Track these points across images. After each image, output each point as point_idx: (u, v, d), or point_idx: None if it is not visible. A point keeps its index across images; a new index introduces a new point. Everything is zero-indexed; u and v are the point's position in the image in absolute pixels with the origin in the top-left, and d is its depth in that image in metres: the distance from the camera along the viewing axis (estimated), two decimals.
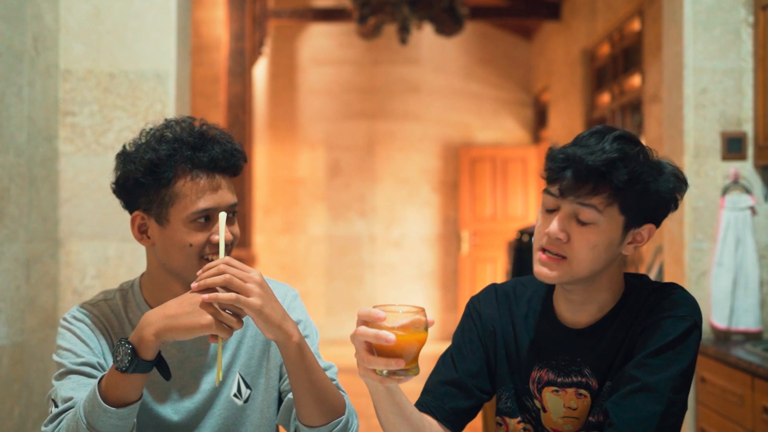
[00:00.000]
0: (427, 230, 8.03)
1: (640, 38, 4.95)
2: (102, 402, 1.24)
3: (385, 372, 1.17)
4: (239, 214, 1.58)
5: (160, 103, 2.69)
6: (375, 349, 1.17)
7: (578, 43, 6.20)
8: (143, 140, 1.41)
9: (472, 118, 8.09)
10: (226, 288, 1.26)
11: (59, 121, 2.68)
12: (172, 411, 1.44)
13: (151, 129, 1.43)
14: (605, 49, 5.78)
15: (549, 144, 1.59)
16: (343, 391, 1.45)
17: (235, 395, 1.47)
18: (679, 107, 2.98)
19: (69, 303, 2.64)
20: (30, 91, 2.47)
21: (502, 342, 1.47)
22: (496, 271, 7.74)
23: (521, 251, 5.02)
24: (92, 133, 2.68)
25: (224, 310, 1.27)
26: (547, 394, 1.41)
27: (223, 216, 1.36)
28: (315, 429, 1.36)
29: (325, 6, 7.50)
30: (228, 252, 1.38)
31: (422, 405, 1.44)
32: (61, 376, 1.37)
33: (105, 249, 2.67)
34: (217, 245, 1.37)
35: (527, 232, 5.07)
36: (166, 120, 1.45)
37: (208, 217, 1.38)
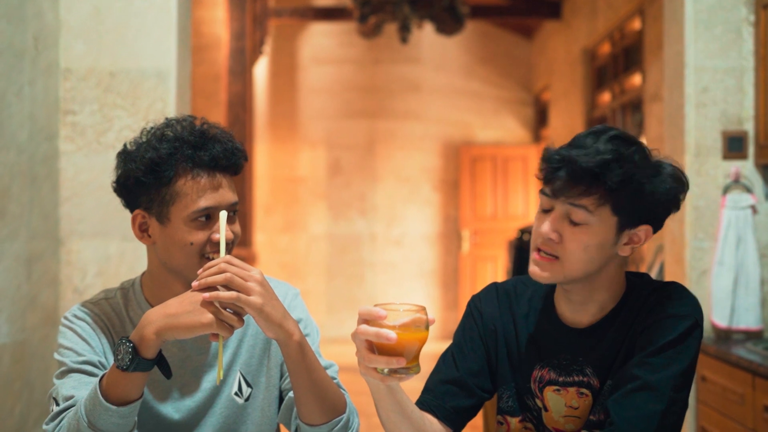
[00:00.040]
0: (427, 229, 8.03)
1: (640, 37, 4.95)
2: (103, 400, 1.24)
3: (386, 370, 1.17)
4: (240, 212, 1.58)
5: (161, 102, 2.69)
6: (376, 348, 1.17)
7: (579, 42, 6.20)
8: (144, 139, 1.41)
9: (472, 117, 8.09)
10: (227, 287, 1.26)
11: (60, 120, 2.68)
12: (173, 409, 1.44)
13: (151, 128, 1.43)
14: (606, 48, 5.78)
15: (549, 143, 1.59)
16: (343, 390, 1.45)
17: (236, 394, 1.47)
18: (680, 106, 2.98)
19: (70, 301, 2.64)
20: (31, 90, 2.47)
21: (503, 341, 1.47)
22: (496, 269, 7.74)
23: (521, 250, 5.02)
24: (93, 132, 2.68)
25: (225, 308, 1.27)
26: (549, 393, 1.41)
27: (223, 215, 1.36)
28: (316, 427, 1.36)
29: (325, 5, 7.50)
30: (229, 251, 1.38)
31: (423, 404, 1.44)
32: (62, 375, 1.37)
33: (106, 248, 2.67)
34: (217, 244, 1.37)
35: (527, 231, 5.07)
36: (166, 119, 1.45)
37: (208, 216, 1.38)
